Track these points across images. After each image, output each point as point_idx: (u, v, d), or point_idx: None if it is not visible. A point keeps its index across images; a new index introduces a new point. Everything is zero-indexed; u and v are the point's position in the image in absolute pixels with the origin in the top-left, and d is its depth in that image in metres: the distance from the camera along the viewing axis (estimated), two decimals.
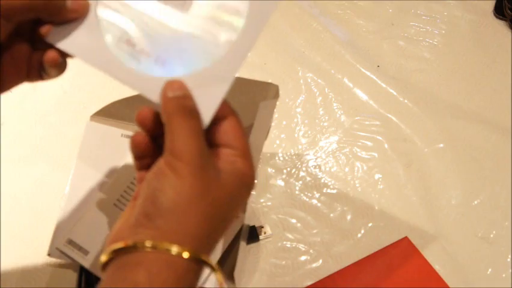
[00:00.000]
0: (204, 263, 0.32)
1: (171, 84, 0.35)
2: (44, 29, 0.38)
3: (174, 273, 0.31)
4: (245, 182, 0.35)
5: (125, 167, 0.56)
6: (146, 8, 0.38)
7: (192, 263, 0.32)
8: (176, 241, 0.32)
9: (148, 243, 0.31)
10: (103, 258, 0.33)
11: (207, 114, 0.36)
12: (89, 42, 0.38)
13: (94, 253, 0.53)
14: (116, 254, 0.32)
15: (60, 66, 0.39)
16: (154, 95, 0.36)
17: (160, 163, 0.33)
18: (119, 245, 0.32)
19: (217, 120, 0.36)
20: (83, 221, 0.54)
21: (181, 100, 0.34)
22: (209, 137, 0.36)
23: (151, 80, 0.37)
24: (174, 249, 0.31)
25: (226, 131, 0.36)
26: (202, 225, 0.33)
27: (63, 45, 0.37)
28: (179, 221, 0.32)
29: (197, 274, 0.33)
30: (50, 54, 0.39)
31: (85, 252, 0.53)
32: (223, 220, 0.34)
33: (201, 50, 0.38)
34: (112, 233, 0.34)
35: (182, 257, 0.31)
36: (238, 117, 0.37)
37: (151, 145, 0.37)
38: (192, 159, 0.32)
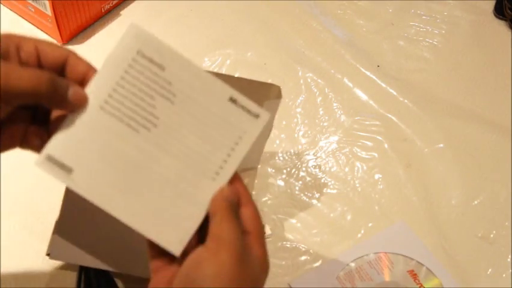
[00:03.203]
0: None
1: (229, 192, 0.39)
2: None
3: None
4: (265, 269, 0.40)
5: (113, 57, 0.42)
6: None
7: None
8: None
9: None
10: None
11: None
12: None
13: (80, 170, 0.42)
14: None
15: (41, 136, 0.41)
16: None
17: (201, 253, 0.36)
18: None
19: (239, 206, 0.40)
20: (64, 132, 0.42)
21: (233, 206, 0.38)
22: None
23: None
24: None
25: (249, 218, 0.40)
26: None
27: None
28: None
29: None
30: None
31: (68, 169, 0.42)
32: None
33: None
34: None
35: None
36: (254, 203, 0.41)
37: None
38: (236, 251, 0.36)
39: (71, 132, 0.41)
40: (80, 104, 0.39)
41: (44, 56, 0.38)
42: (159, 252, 0.40)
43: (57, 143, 0.41)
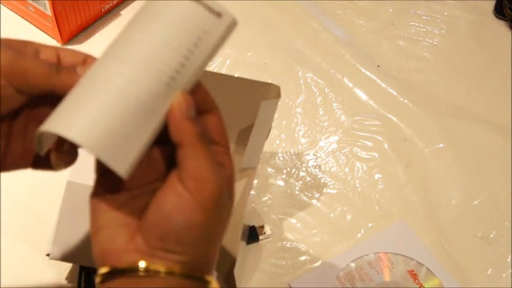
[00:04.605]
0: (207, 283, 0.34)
1: (186, 100, 0.34)
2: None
3: None
4: (233, 185, 0.36)
5: None
6: None
7: (200, 284, 0.34)
8: (203, 273, 0.34)
9: (178, 270, 0.33)
10: (103, 270, 0.33)
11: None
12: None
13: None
14: (121, 274, 0.33)
15: (67, 157, 0.37)
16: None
17: (184, 197, 0.33)
18: (149, 265, 0.33)
19: (201, 114, 0.35)
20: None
21: (203, 133, 0.34)
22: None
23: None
24: (207, 279, 0.34)
25: (215, 127, 0.36)
26: (216, 250, 0.35)
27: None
28: (203, 254, 0.34)
29: None
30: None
31: None
32: (224, 233, 0.36)
33: None
34: (108, 254, 0.34)
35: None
36: (220, 111, 0.36)
37: None
38: (218, 194, 0.33)
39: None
40: None
41: (64, 62, 0.38)
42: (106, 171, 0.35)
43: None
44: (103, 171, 0.35)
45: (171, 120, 0.33)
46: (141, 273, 0.32)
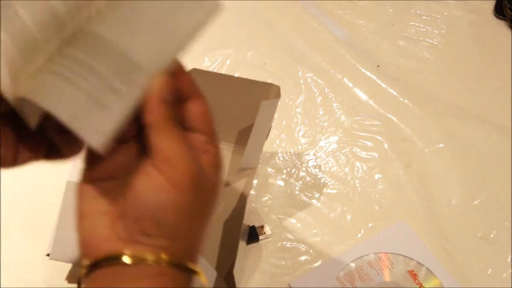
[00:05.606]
0: (193, 273, 0.33)
1: (166, 84, 0.32)
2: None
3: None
4: (219, 171, 0.35)
5: None
6: None
7: (184, 273, 0.33)
8: (185, 259, 0.33)
9: (161, 257, 0.32)
10: (86, 262, 0.32)
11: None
12: None
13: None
14: (104, 264, 0.32)
15: (72, 143, 0.36)
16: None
17: (156, 178, 0.32)
18: (126, 252, 0.32)
19: (183, 101, 0.34)
20: None
21: (169, 110, 0.33)
22: (177, 118, 0.34)
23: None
24: (196, 270, 0.33)
25: (197, 115, 0.34)
26: (200, 236, 0.34)
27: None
28: (185, 238, 0.33)
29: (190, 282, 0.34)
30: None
31: None
32: (209, 220, 0.35)
33: None
34: (90, 243, 0.33)
35: (194, 273, 0.33)
36: (205, 98, 0.35)
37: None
38: (192, 173, 0.32)
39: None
40: None
41: None
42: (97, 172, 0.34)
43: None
44: (91, 159, 0.34)
45: (148, 101, 0.32)
46: (126, 261, 0.31)
